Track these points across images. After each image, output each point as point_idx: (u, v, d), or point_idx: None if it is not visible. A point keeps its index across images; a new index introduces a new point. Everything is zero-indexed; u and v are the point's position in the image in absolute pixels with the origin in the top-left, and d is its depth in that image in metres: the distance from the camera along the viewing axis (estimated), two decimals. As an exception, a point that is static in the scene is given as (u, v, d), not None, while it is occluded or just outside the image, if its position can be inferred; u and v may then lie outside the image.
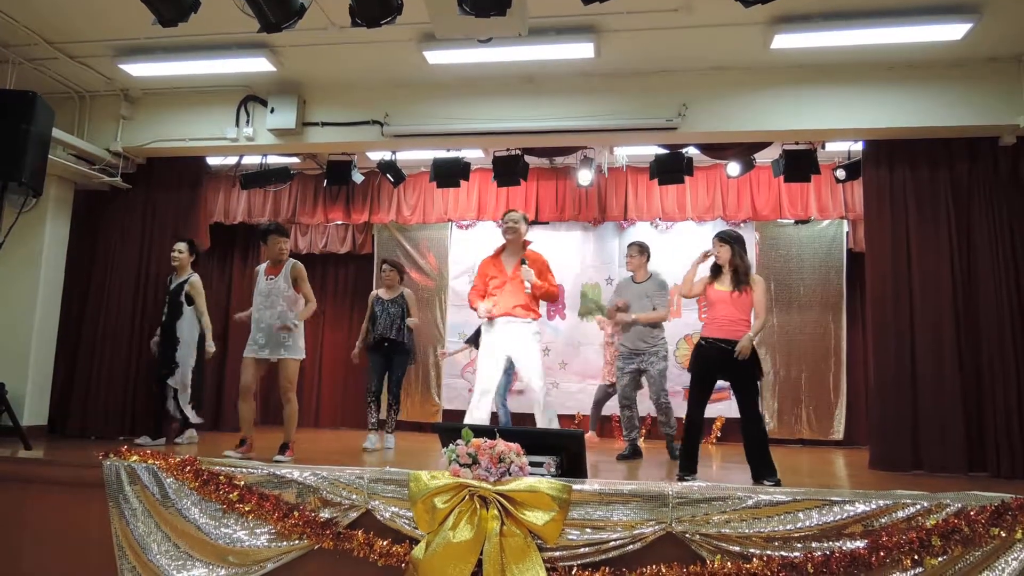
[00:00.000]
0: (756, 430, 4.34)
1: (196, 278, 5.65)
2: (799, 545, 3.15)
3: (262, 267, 5.07)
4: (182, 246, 5.66)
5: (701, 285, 4.62)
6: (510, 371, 6.46)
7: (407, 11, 3.58)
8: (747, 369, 4.37)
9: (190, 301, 5.59)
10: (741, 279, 4.44)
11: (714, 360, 4.40)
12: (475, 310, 4.92)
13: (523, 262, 4.76)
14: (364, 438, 5.94)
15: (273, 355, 4.86)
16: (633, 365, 5.74)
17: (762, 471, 4.22)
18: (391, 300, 5.95)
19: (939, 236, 5.33)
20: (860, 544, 3.11)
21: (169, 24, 3.23)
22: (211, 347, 5.68)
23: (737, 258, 4.49)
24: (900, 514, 3.16)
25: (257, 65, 5.42)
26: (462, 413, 6.57)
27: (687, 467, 4.39)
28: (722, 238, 4.57)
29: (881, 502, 3.21)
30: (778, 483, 4.10)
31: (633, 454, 5.70)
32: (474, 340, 7.19)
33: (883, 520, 3.16)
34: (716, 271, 4.59)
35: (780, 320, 7.78)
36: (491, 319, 4.75)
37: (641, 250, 5.93)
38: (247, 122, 5.91)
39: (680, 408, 6.82)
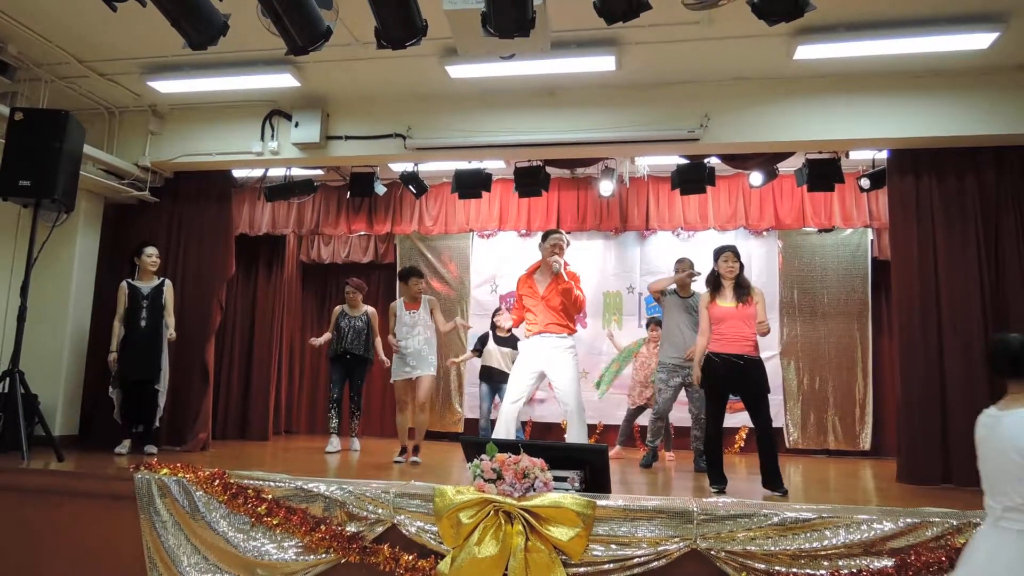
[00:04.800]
0: (770, 441, 4.40)
1: (170, 283, 5.81)
2: (826, 563, 3.14)
3: (400, 302, 5.86)
4: (156, 251, 5.75)
5: (705, 311, 4.61)
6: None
7: (430, 27, 3.61)
8: (761, 382, 4.44)
9: (166, 304, 5.70)
10: (744, 291, 4.51)
11: (726, 375, 4.43)
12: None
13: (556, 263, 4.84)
14: (385, 448, 6.05)
15: (423, 372, 5.60)
16: (678, 379, 5.80)
17: (774, 481, 4.29)
18: (356, 316, 6.52)
19: (966, 246, 5.26)
20: (888, 563, 3.09)
21: (198, 48, 3.29)
22: (173, 334, 5.67)
23: (743, 273, 4.62)
24: (928, 532, 3.14)
25: (282, 81, 5.49)
26: (494, 421, 6.60)
27: (718, 479, 4.43)
28: (736, 252, 4.64)
29: (909, 520, 3.18)
30: (785, 494, 4.20)
31: (655, 459, 5.89)
32: (479, 348, 7.24)
33: (911, 539, 3.13)
34: (716, 287, 4.61)
35: (804, 329, 7.72)
36: (528, 336, 4.89)
37: (691, 265, 5.97)
38: (272, 136, 5.99)
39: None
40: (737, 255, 4.63)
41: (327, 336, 6.54)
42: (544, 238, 5.02)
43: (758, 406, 4.40)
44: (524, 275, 5.08)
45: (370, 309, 6.64)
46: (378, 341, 6.50)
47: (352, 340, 6.42)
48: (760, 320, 4.46)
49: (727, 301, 4.52)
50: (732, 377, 4.42)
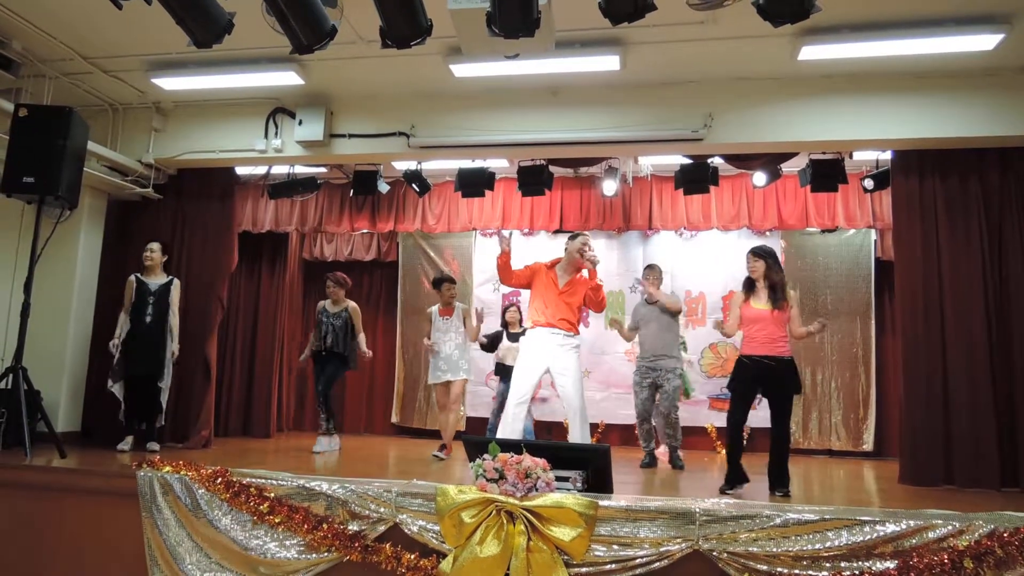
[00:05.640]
0: (784, 444, 4.42)
1: (178, 283, 5.81)
2: (828, 565, 3.13)
3: (435, 308, 6.27)
4: (156, 246, 5.73)
5: (737, 310, 4.64)
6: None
7: (435, 25, 3.60)
8: (788, 385, 4.43)
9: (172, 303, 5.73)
10: (779, 296, 4.47)
11: (756, 377, 4.44)
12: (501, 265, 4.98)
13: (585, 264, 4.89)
14: (375, 446, 6.07)
15: (454, 376, 6.04)
16: (649, 379, 5.92)
17: (779, 481, 4.33)
18: (335, 313, 6.31)
19: (970, 247, 5.25)
20: (890, 565, 3.08)
21: (204, 46, 3.29)
22: (176, 349, 5.71)
23: (773, 273, 4.53)
24: (931, 535, 3.13)
25: (286, 78, 5.49)
26: (486, 420, 6.62)
27: (730, 480, 4.43)
28: (756, 253, 4.61)
29: (912, 522, 3.17)
30: (787, 494, 4.25)
31: (652, 462, 5.94)
32: (492, 346, 7.16)
33: (914, 541, 3.12)
34: (750, 287, 4.60)
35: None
36: (534, 326, 4.85)
37: (660, 273, 6.19)
38: (276, 134, 5.99)
39: (698, 419, 6.82)
40: (759, 255, 4.58)
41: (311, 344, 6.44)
42: (573, 237, 5.00)
43: (782, 406, 4.41)
44: (545, 264, 5.04)
45: (351, 304, 6.39)
46: (362, 338, 6.27)
47: (330, 338, 6.19)
48: (795, 332, 4.49)
49: (761, 303, 4.51)
50: (762, 379, 4.43)
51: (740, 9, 3.75)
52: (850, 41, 4.70)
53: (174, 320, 5.71)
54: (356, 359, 6.40)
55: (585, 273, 4.98)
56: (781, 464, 4.36)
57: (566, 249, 5.00)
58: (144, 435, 5.59)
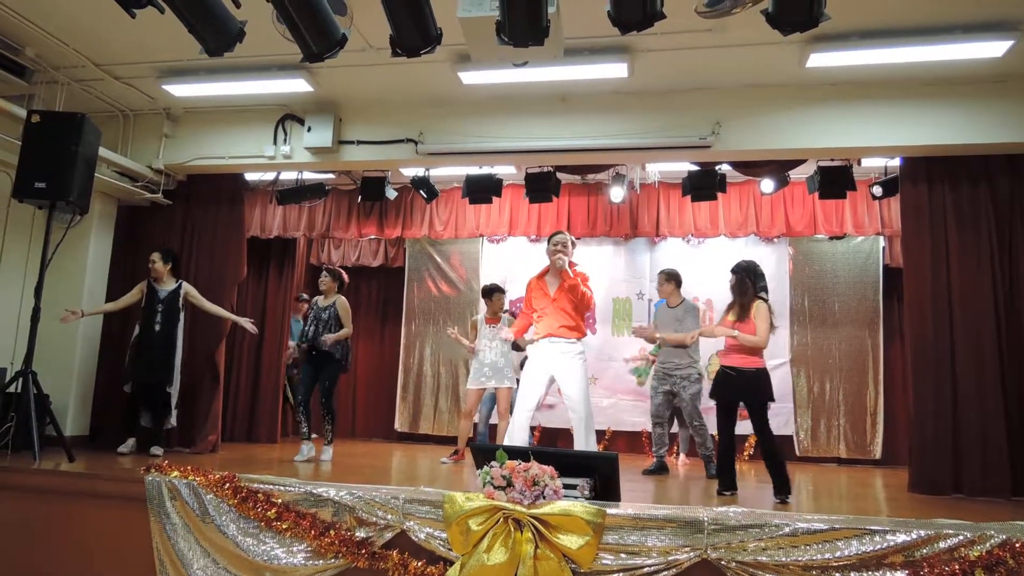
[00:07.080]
0: (771, 453, 4.52)
1: (188, 284, 5.87)
2: (837, 575, 3.11)
3: (481, 316, 6.38)
4: (156, 256, 5.73)
5: (723, 321, 4.83)
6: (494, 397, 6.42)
7: (443, 33, 3.62)
8: (754, 393, 4.56)
9: (183, 308, 5.77)
10: (742, 310, 4.64)
11: (725, 386, 4.64)
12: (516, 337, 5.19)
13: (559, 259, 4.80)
14: (379, 451, 6.03)
15: (498, 384, 6.04)
16: (666, 386, 5.96)
17: (777, 489, 4.43)
18: (324, 308, 5.91)
19: (980, 254, 5.23)
20: (901, 575, 3.06)
21: (215, 54, 3.31)
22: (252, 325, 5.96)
23: (741, 287, 4.68)
24: (942, 544, 3.10)
25: (295, 85, 5.52)
26: (492, 426, 6.62)
27: (726, 484, 4.59)
28: (731, 269, 4.81)
29: (922, 532, 3.15)
30: (783, 501, 4.32)
31: (659, 469, 5.91)
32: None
33: (924, 551, 3.10)
34: (732, 302, 4.79)
35: (814, 336, 7.69)
36: (537, 339, 4.86)
37: (668, 277, 6.16)
38: (284, 140, 6.02)
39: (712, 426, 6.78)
40: (732, 271, 4.79)
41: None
42: (549, 239, 5.01)
43: (753, 416, 4.56)
44: (535, 277, 5.04)
45: (340, 299, 5.93)
46: (344, 332, 5.79)
47: (317, 335, 5.77)
48: (752, 337, 4.51)
49: (733, 315, 4.70)
50: (732, 388, 4.62)
51: (749, 17, 3.75)
52: (859, 48, 4.70)
53: (215, 310, 5.86)
54: (349, 360, 6.08)
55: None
56: (778, 472, 4.42)
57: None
58: (149, 438, 5.61)
